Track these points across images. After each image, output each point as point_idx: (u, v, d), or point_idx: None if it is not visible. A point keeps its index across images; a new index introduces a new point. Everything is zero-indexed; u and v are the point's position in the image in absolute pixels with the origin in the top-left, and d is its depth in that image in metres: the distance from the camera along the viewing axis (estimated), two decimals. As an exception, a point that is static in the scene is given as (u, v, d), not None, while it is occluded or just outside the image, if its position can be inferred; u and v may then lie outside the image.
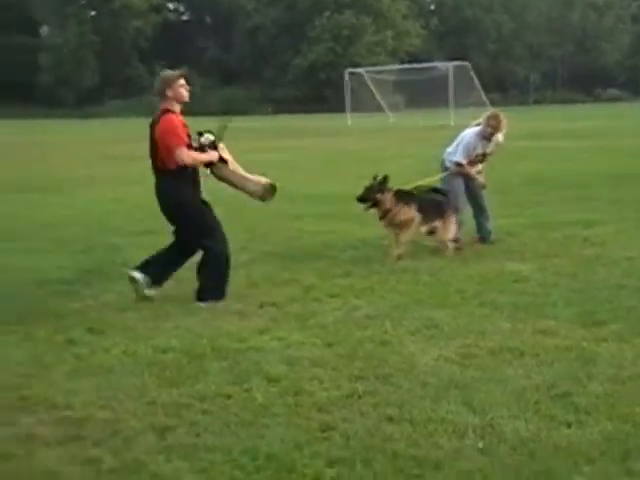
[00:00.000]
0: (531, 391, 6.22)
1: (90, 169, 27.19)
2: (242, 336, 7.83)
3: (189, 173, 9.15)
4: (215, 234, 9.34)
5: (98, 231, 14.18)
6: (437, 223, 11.49)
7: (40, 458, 5.36)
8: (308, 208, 16.37)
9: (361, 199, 11.36)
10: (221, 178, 9.61)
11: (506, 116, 12.22)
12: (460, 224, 12.14)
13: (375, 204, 11.26)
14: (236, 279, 10.29)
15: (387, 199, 11.21)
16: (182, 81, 9.10)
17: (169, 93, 9.02)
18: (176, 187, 9.12)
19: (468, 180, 12.26)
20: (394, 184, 11.48)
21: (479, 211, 12.46)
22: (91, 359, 7.33)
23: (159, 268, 9.48)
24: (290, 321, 8.37)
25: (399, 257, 11.15)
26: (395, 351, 7.32)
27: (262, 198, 9.75)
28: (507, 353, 7.16)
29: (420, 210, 11.33)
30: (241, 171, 9.63)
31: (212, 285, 9.25)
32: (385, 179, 11.28)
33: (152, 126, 9.13)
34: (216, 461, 5.22)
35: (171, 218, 9.42)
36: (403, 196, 11.37)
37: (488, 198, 12.54)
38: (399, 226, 11.30)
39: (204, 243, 9.30)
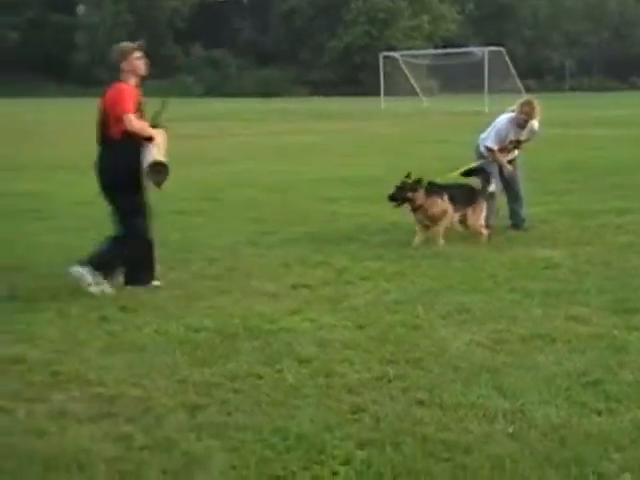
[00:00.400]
0: (562, 378, 6.20)
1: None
2: (274, 317, 7.85)
3: (133, 147, 8.79)
4: (141, 217, 9.08)
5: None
6: (468, 210, 11.48)
7: (72, 435, 5.39)
8: (344, 191, 16.36)
9: (392, 198, 11.36)
10: None
11: (540, 103, 12.13)
12: (493, 210, 12.11)
13: (407, 201, 11.28)
14: (270, 260, 10.37)
15: (418, 196, 11.19)
16: (139, 53, 8.95)
17: (125, 66, 8.85)
18: (119, 159, 8.87)
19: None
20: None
21: (513, 198, 12.41)
22: (123, 336, 7.38)
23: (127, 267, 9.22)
24: (322, 303, 8.39)
25: (440, 245, 11.13)
26: (426, 335, 7.31)
27: (156, 182, 8.98)
28: (538, 339, 7.14)
29: (452, 200, 11.32)
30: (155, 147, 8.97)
31: (117, 264, 9.06)
32: (419, 181, 11.26)
33: (103, 96, 8.94)
34: (247, 440, 5.24)
35: (111, 194, 9.13)
36: (434, 189, 11.34)
37: (524, 185, 12.49)
38: (433, 218, 11.29)
39: (131, 220, 9.01)
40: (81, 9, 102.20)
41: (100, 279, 8.90)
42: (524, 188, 12.51)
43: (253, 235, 11.95)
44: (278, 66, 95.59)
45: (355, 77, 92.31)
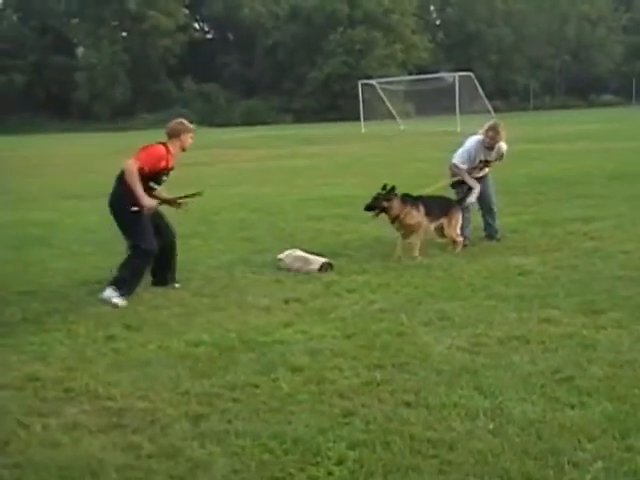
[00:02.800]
0: (537, 376, 6.22)
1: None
2: (268, 330, 7.85)
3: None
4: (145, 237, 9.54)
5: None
6: (443, 220, 11.52)
7: (85, 445, 5.40)
8: (330, 210, 16.36)
9: (368, 208, 11.39)
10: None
11: (505, 127, 12.09)
12: (468, 222, 12.14)
13: (383, 211, 11.28)
14: (263, 277, 10.36)
15: (394, 206, 11.21)
16: (193, 134, 9.77)
17: (182, 137, 9.61)
18: (122, 191, 9.37)
19: (477, 181, 12.21)
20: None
21: (486, 211, 12.44)
22: (129, 353, 7.37)
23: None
24: (312, 315, 8.39)
25: (416, 257, 11.14)
26: (410, 341, 7.32)
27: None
28: (514, 341, 7.16)
29: (427, 211, 11.35)
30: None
31: (128, 278, 9.42)
32: (393, 189, 11.28)
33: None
34: (246, 446, 5.24)
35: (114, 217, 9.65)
36: (409, 200, 11.36)
37: (496, 198, 12.53)
38: (409, 228, 11.32)
39: (135, 244, 9.54)
40: (81, 51, 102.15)
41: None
42: (496, 201, 12.55)
43: (246, 254, 11.94)
44: (263, 96, 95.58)
45: (335, 104, 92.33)
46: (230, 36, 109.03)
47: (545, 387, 5.99)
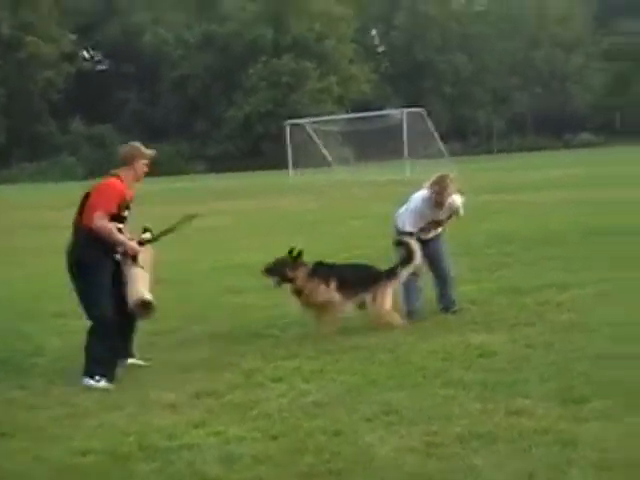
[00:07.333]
0: (505, 483, 6.20)
1: (-3, 243, 27.00)
2: (174, 432, 7.75)
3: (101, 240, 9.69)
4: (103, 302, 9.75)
5: (4, 313, 14.02)
6: (365, 295, 11.49)
7: None
8: (249, 280, 16.30)
9: (267, 271, 11.44)
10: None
11: (453, 179, 12.11)
12: (419, 291, 12.18)
13: (287, 280, 11.34)
14: (168, 365, 10.24)
15: (300, 276, 11.29)
16: (147, 161, 10.16)
17: (136, 164, 10.02)
18: (82, 245, 9.71)
19: (427, 243, 12.26)
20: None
21: (440, 278, 12.47)
22: (-4, 466, 7.22)
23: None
24: (229, 412, 8.31)
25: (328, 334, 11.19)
26: (350, 442, 7.27)
27: (142, 317, 10.26)
28: (477, 439, 7.13)
29: (341, 286, 11.37)
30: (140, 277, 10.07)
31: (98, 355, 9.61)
32: (300, 254, 11.37)
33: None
34: None
35: (72, 276, 9.87)
36: (321, 271, 11.40)
37: (451, 262, 12.59)
38: (316, 306, 11.36)
39: (93, 312, 9.77)
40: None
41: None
42: (452, 265, 12.61)
43: (147, 336, 11.77)
44: (170, 141, 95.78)
45: (258, 149, 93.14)
46: (129, 67, 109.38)
47: (515, 497, 5.98)
